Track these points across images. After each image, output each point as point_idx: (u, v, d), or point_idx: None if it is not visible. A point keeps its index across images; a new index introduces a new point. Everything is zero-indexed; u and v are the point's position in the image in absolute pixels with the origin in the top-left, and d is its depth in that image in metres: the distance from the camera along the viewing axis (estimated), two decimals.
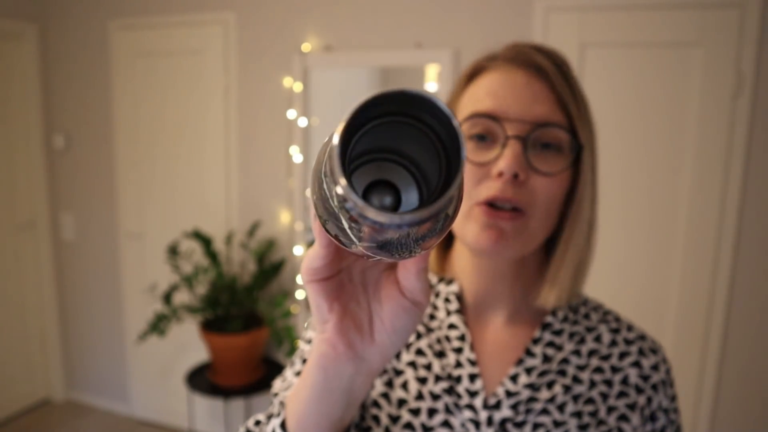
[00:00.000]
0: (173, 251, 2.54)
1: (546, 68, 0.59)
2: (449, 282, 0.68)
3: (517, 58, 0.61)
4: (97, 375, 3.25)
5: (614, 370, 0.64)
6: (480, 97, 0.61)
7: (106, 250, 3.09)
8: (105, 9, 2.89)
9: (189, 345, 2.89)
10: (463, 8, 2.26)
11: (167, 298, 2.50)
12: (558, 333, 0.65)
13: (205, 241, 2.56)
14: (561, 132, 0.59)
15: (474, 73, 0.64)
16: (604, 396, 0.62)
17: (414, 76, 2.54)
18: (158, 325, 2.45)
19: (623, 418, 0.62)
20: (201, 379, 2.60)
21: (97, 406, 3.26)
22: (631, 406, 0.63)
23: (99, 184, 3.06)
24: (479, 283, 0.66)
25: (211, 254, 2.56)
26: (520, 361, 0.63)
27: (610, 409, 0.62)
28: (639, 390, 0.64)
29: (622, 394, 0.63)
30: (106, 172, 3.02)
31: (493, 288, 0.66)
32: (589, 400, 0.62)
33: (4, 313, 3.04)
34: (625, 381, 0.64)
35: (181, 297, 2.70)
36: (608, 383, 0.63)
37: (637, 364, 0.65)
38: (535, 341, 0.64)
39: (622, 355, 0.65)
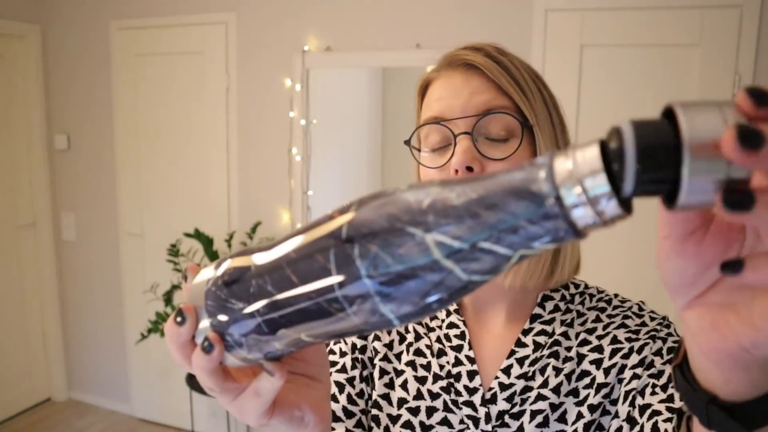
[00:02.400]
0: (174, 251, 2.54)
1: (478, 62, 0.61)
2: None
3: (453, 61, 0.64)
4: (98, 375, 3.26)
5: (600, 337, 0.64)
6: (429, 106, 0.65)
7: (107, 250, 3.10)
8: (106, 10, 2.90)
9: None
10: (463, 8, 2.27)
11: (168, 298, 2.51)
12: (548, 322, 0.66)
13: (206, 241, 2.56)
14: (506, 116, 0.60)
15: (424, 88, 0.68)
16: (598, 362, 0.62)
17: (414, 77, 2.55)
18: (159, 325, 2.45)
19: (623, 369, 0.61)
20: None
21: (98, 405, 3.27)
22: (627, 355, 0.62)
23: (100, 185, 3.06)
24: None
25: (212, 254, 2.57)
26: (511, 353, 0.64)
27: (607, 370, 0.61)
28: (631, 340, 0.63)
29: (615, 351, 0.62)
30: (108, 172, 3.03)
31: (487, 287, 0.66)
32: (583, 374, 0.62)
33: (6, 313, 3.04)
34: (614, 341, 0.63)
35: (182, 297, 2.70)
36: (598, 349, 0.63)
37: (623, 326, 0.65)
38: (525, 332, 0.65)
39: (607, 325, 0.65)
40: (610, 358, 0.62)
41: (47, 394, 3.29)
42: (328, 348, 0.70)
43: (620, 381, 0.61)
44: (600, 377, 0.61)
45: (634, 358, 0.61)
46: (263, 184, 2.71)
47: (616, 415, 0.59)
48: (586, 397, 0.61)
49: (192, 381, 2.59)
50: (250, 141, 2.70)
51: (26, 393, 3.17)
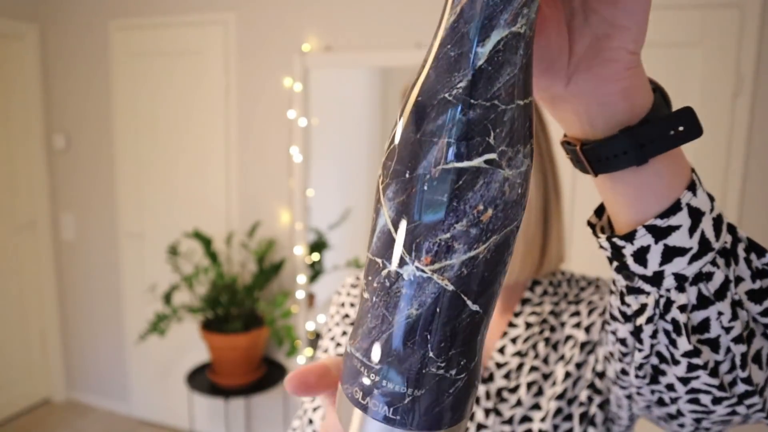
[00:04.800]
0: (173, 251, 2.54)
1: None
2: None
3: None
4: (97, 375, 3.25)
5: (579, 302, 0.69)
6: None
7: (107, 250, 3.10)
8: (105, 9, 2.89)
9: (189, 345, 2.89)
10: None
11: (167, 298, 2.50)
12: (538, 304, 0.70)
13: (205, 241, 2.56)
14: None
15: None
16: (578, 324, 0.66)
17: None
18: (158, 325, 2.45)
19: (605, 324, 0.65)
20: (201, 379, 2.60)
21: (97, 406, 3.26)
22: (601, 311, 0.66)
23: (99, 184, 3.06)
24: None
25: (211, 254, 2.56)
26: (504, 334, 0.68)
27: (588, 328, 0.65)
28: (603, 300, 0.67)
29: (591, 311, 0.66)
30: (107, 172, 3.03)
31: None
32: (568, 338, 0.66)
33: (5, 313, 3.04)
34: (590, 303, 0.68)
35: (182, 297, 2.70)
36: (577, 313, 0.67)
37: (597, 291, 0.70)
38: (516, 314, 0.70)
39: (583, 294, 0.70)
40: (588, 316, 0.66)
41: (46, 394, 3.28)
42: (324, 348, 0.71)
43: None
44: (582, 336, 0.65)
45: (601, 309, 0.65)
46: (263, 184, 2.71)
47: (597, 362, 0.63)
48: (572, 357, 0.64)
49: (191, 381, 2.59)
50: (250, 141, 2.70)
51: (25, 393, 3.16)
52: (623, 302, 0.41)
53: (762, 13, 1.87)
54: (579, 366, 0.64)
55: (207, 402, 2.87)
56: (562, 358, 0.65)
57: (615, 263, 0.39)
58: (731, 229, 0.38)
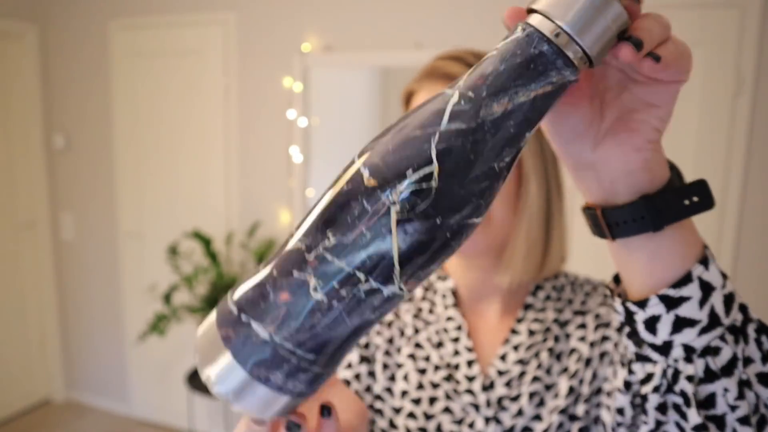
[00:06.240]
0: (173, 251, 2.54)
1: (458, 74, 0.62)
2: (444, 278, 0.72)
3: (434, 73, 0.65)
4: (96, 375, 3.25)
5: (585, 314, 0.67)
6: None
7: (106, 250, 3.09)
8: (105, 9, 2.89)
9: (189, 345, 2.89)
10: (463, 8, 2.27)
11: (167, 298, 2.50)
12: (541, 310, 0.69)
13: (205, 241, 2.56)
14: None
15: (407, 99, 0.69)
16: (583, 338, 0.65)
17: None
18: (158, 325, 2.45)
19: (607, 341, 0.64)
20: (201, 379, 2.60)
21: (96, 406, 3.26)
22: (608, 333, 0.65)
23: (99, 184, 3.06)
24: (469, 278, 0.70)
25: (211, 254, 2.56)
26: (506, 341, 0.67)
27: (593, 343, 0.64)
28: (610, 314, 0.66)
29: (598, 326, 0.65)
30: (106, 172, 3.02)
31: (482, 280, 0.69)
32: (572, 351, 0.65)
33: (4, 313, 3.03)
34: (597, 317, 0.66)
35: (181, 297, 2.69)
36: (583, 326, 0.66)
37: (604, 304, 0.68)
38: (519, 321, 0.68)
39: (591, 304, 0.69)
40: (595, 331, 0.65)
41: (45, 394, 3.28)
42: None
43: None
44: (586, 351, 0.64)
45: (609, 323, 0.65)
46: (263, 184, 2.71)
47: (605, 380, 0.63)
48: (576, 371, 0.63)
49: (191, 381, 2.59)
50: (250, 141, 2.70)
51: (24, 393, 3.16)
52: (630, 371, 0.43)
53: (762, 13, 1.87)
54: (582, 382, 0.63)
55: (207, 402, 2.87)
56: (565, 370, 0.64)
57: (627, 329, 0.41)
58: (743, 309, 0.40)
